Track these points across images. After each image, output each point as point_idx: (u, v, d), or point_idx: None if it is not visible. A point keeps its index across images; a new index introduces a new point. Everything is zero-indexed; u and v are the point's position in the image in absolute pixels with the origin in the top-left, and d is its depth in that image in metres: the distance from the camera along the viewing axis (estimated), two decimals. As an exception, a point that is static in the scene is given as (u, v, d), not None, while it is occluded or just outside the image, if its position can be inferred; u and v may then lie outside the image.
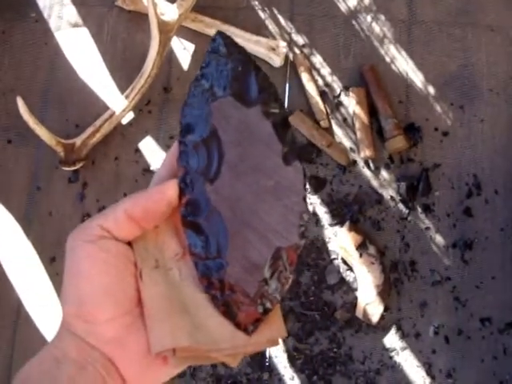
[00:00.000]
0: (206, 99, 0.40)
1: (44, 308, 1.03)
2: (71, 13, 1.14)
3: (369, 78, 1.05)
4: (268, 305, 0.38)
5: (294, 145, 0.39)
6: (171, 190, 0.38)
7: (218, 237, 0.38)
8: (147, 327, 0.35)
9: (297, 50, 1.10)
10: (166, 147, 1.07)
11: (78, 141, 1.04)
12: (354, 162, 1.06)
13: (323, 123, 1.06)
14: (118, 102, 1.04)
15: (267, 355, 1.01)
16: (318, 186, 1.05)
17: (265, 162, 0.39)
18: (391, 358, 1.01)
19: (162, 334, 0.35)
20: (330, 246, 1.03)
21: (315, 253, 1.03)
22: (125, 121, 1.08)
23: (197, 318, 0.37)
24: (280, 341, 1.04)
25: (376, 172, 1.05)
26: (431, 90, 1.07)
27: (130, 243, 0.37)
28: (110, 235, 0.36)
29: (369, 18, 1.11)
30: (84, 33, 1.12)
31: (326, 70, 1.09)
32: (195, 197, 0.39)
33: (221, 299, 0.37)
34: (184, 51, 1.11)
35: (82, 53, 1.11)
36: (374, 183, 1.05)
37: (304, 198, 0.39)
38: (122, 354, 0.35)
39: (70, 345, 0.34)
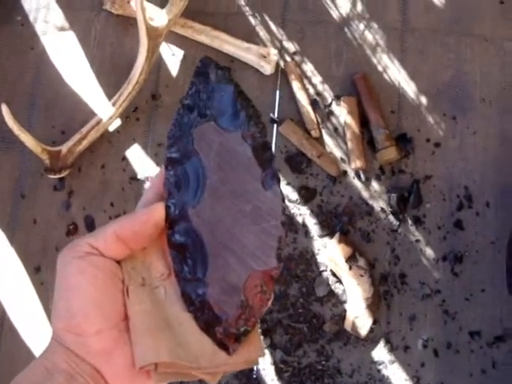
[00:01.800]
0: (191, 124, 0.42)
1: (28, 318, 1.02)
2: (58, 17, 1.11)
3: (361, 87, 1.04)
4: (246, 326, 0.39)
5: (273, 169, 0.40)
6: (158, 212, 0.40)
7: (199, 259, 0.40)
8: (132, 342, 0.36)
9: (288, 58, 1.09)
10: (153, 155, 1.06)
11: (64, 148, 1.02)
12: (345, 173, 1.04)
13: (314, 133, 1.05)
14: (105, 109, 1.02)
15: (255, 367, 1.00)
16: (308, 196, 1.04)
17: (244, 186, 0.40)
18: (379, 371, 1.00)
19: (144, 348, 0.36)
20: (319, 258, 1.02)
21: (304, 264, 1.02)
22: (112, 128, 1.06)
23: (179, 335, 0.38)
24: (267, 354, 1.03)
25: (367, 183, 1.04)
26: (424, 100, 1.06)
27: (118, 262, 0.39)
28: (99, 253, 0.37)
29: (361, 26, 1.09)
30: (71, 37, 1.10)
31: (317, 79, 1.07)
32: (179, 220, 0.40)
33: (201, 319, 0.39)
34: (173, 57, 1.09)
35: (68, 58, 1.09)
36: (365, 194, 1.04)
37: (282, 223, 0.40)
38: (109, 366, 0.36)
39: (60, 357, 0.35)
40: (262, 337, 0.99)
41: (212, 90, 0.42)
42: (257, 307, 0.39)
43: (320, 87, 1.07)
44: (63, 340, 0.36)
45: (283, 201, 0.41)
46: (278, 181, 0.40)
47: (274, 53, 1.06)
